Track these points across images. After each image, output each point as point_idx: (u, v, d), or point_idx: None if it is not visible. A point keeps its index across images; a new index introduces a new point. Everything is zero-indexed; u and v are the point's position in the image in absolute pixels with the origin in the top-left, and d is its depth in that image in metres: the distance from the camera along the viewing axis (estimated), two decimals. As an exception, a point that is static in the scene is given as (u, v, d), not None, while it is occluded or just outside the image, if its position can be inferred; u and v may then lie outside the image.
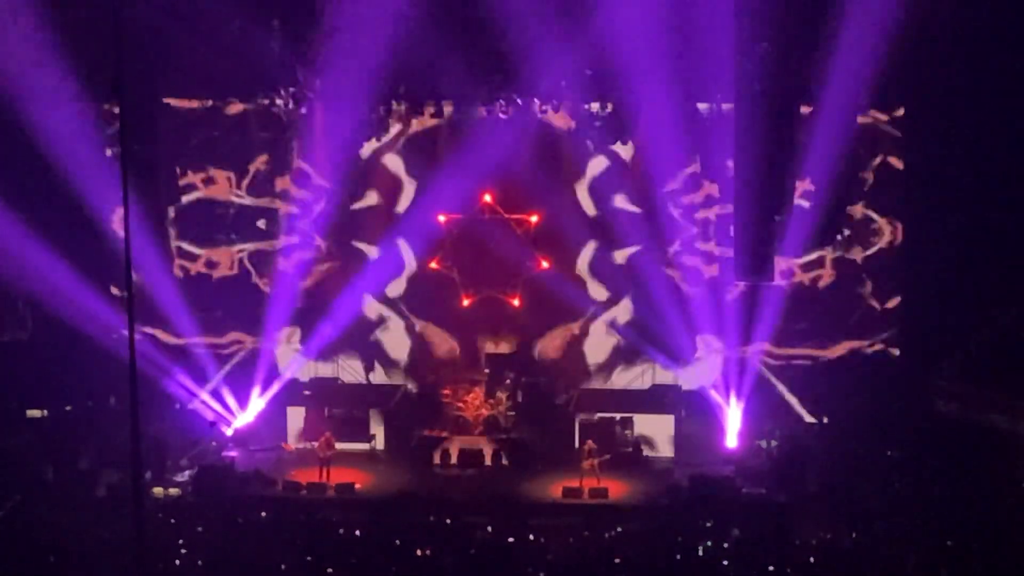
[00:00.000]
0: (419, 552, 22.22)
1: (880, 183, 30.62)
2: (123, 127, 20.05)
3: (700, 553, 22.31)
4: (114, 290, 29.42)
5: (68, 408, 30.19)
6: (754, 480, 27.22)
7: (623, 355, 31.94)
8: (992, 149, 28.51)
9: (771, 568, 21.17)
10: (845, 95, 28.41)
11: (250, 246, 32.08)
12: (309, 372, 32.16)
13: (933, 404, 29.84)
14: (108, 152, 29.49)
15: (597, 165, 31.44)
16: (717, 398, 30.54)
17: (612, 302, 31.89)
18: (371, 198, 31.96)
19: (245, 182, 31.80)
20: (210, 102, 31.06)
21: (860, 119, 29.73)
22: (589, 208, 31.59)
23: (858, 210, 30.71)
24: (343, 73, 28.73)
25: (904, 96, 29.76)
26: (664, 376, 31.55)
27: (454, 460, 28.88)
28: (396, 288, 32.25)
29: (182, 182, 31.49)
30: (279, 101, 30.13)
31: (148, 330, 30.42)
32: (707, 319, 31.15)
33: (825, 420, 30.32)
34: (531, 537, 23.13)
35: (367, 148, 31.54)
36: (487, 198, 31.01)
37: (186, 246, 31.92)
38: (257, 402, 30.87)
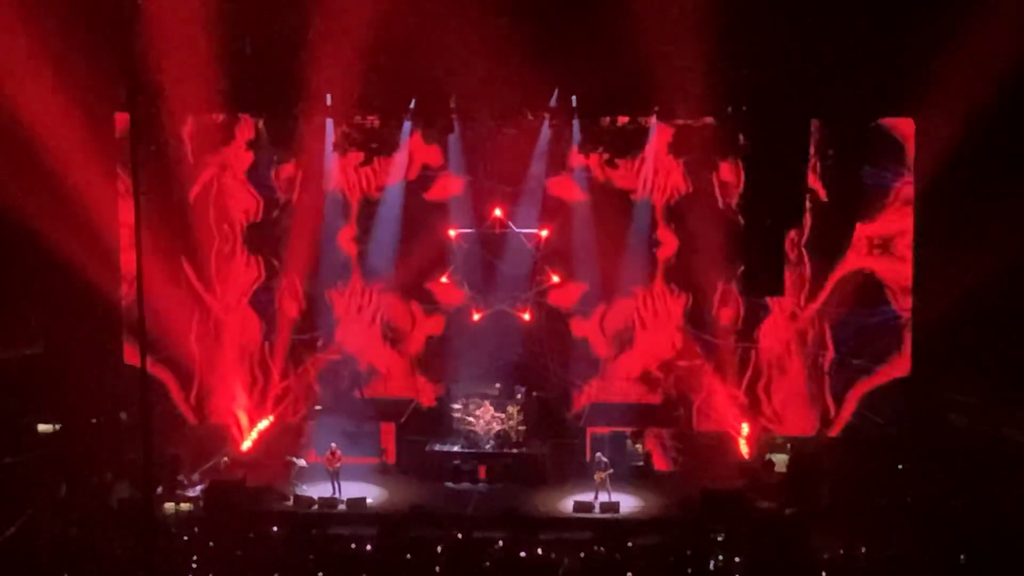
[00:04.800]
0: (430, 567, 22.19)
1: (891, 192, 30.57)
2: (134, 134, 19.99)
3: (712, 567, 22.26)
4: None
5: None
6: (766, 494, 27.16)
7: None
8: (1002, 159, 28.44)
9: (783, 582, 21.18)
10: (856, 104, 28.52)
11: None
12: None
13: (945, 417, 29.77)
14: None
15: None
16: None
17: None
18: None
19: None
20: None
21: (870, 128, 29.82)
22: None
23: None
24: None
25: (913, 104, 29.66)
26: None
27: (466, 474, 28.90)
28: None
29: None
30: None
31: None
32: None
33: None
34: (542, 551, 23.12)
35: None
36: (497, 212, 31.04)
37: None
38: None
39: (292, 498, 27.38)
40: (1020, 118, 27.72)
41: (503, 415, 29.75)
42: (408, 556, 22.60)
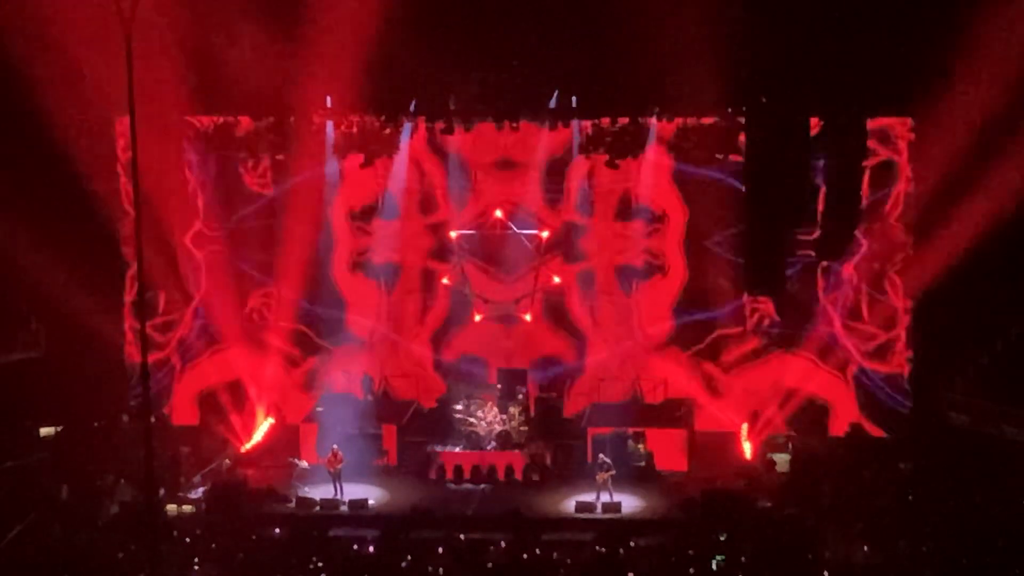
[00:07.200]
0: (432, 568, 22.21)
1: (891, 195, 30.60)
2: (134, 140, 20.02)
3: (714, 567, 22.27)
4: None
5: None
6: (767, 493, 27.17)
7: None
8: (1002, 157, 28.46)
9: (785, 582, 21.18)
10: (855, 102, 28.51)
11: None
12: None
13: (946, 416, 29.79)
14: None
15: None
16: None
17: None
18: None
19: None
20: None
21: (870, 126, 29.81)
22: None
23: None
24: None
25: (912, 102, 29.64)
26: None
27: (467, 475, 28.90)
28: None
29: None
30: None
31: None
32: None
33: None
34: (544, 552, 23.13)
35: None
36: (498, 213, 31.06)
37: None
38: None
39: (294, 500, 27.38)
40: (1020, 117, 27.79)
41: (505, 416, 29.73)
42: (409, 557, 22.62)
